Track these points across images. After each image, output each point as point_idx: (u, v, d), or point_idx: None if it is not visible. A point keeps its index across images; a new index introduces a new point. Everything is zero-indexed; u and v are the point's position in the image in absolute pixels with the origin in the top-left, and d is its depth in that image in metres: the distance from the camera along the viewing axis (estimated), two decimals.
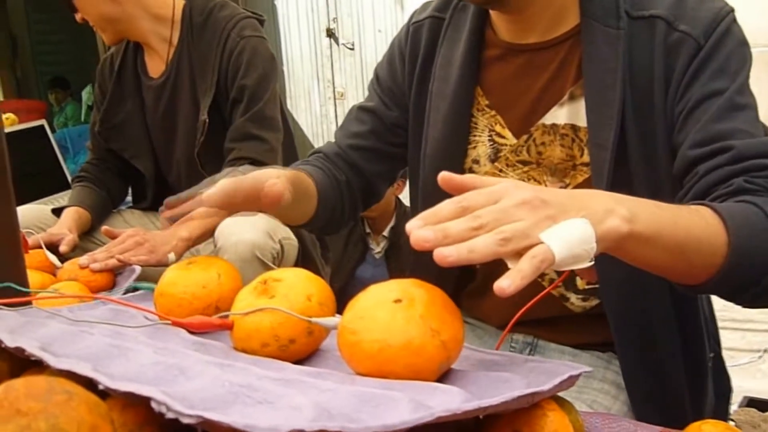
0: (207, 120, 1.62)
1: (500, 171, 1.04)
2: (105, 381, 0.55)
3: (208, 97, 1.64)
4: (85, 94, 6.58)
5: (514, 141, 1.03)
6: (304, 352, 0.74)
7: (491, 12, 1.03)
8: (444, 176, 0.67)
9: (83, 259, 1.24)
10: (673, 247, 0.70)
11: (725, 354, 1.12)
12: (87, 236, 1.65)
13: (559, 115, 0.99)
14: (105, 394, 0.55)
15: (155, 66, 1.75)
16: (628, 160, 0.93)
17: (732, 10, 0.92)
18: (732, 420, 1.51)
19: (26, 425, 0.40)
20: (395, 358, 0.62)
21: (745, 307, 0.82)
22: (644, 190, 0.91)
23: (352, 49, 4.88)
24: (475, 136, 1.06)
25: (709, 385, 1.04)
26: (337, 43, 4.97)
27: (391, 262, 2.62)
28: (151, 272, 1.31)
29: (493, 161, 1.04)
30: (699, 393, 1.03)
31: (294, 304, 0.73)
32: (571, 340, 1.08)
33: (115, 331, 0.77)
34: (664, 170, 0.93)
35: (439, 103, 1.07)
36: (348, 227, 2.55)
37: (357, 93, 5.01)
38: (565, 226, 0.61)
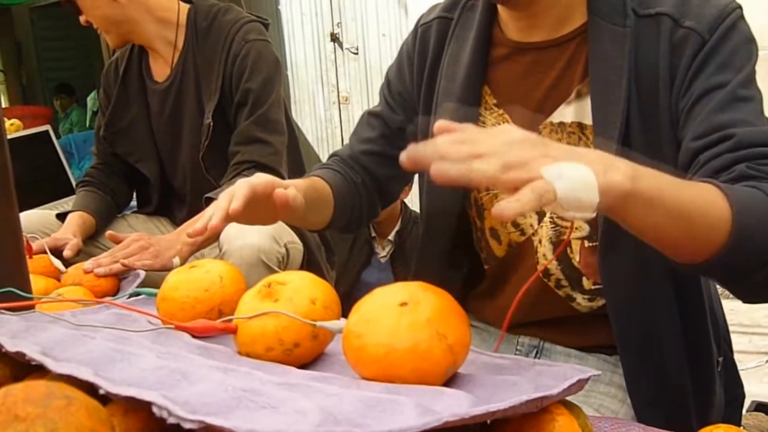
0: (212, 124, 1.62)
1: None
2: (106, 385, 0.54)
3: (212, 101, 1.63)
4: (90, 100, 6.60)
5: None
6: (308, 356, 0.74)
7: (499, 11, 1.03)
8: (442, 124, 0.65)
9: (88, 264, 1.24)
10: (675, 213, 0.69)
11: None
12: (91, 241, 1.65)
13: (567, 113, 0.99)
14: (107, 399, 0.54)
15: (160, 70, 1.75)
16: (633, 158, 0.92)
17: (738, 7, 0.92)
18: (742, 425, 1.50)
19: (24, 431, 0.40)
20: (401, 362, 0.61)
21: (745, 300, 0.81)
22: None
23: (357, 53, 4.87)
24: None
25: (716, 390, 1.03)
26: (341, 48, 4.97)
27: (397, 266, 2.61)
28: (156, 277, 1.30)
29: None
30: (704, 397, 1.02)
31: (298, 307, 0.72)
32: (578, 342, 1.07)
33: (117, 335, 0.76)
34: (669, 167, 0.92)
35: (447, 101, 1.06)
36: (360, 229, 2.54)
37: (361, 97, 5.01)
38: (568, 167, 0.60)
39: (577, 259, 1.01)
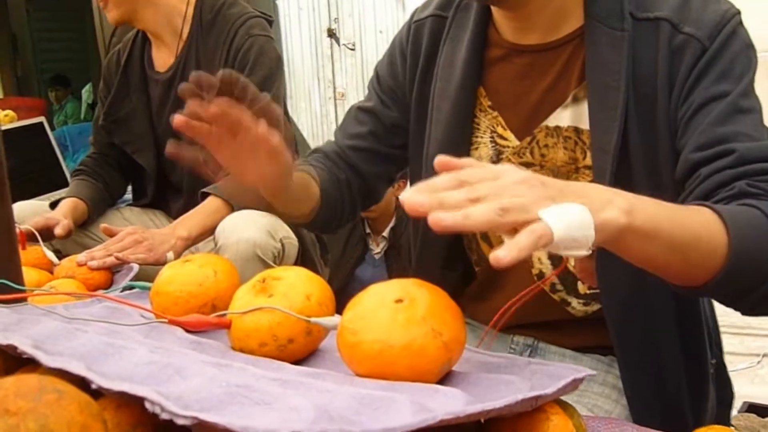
0: None
1: None
2: (98, 380, 0.53)
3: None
4: (85, 92, 6.57)
5: (516, 143, 1.02)
6: (302, 353, 0.73)
7: (493, 11, 1.02)
8: (441, 160, 0.65)
9: (81, 257, 1.23)
10: (672, 244, 0.69)
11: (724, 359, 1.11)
12: (85, 231, 1.64)
13: (563, 117, 0.98)
14: (99, 393, 0.54)
15: (162, 60, 1.75)
16: (630, 164, 0.92)
17: (738, 12, 0.91)
18: (732, 426, 1.50)
19: (15, 425, 0.39)
20: (396, 359, 0.61)
21: (744, 314, 0.81)
22: (646, 194, 0.90)
23: (353, 49, 4.87)
24: (477, 137, 1.05)
25: (710, 392, 1.03)
26: (338, 44, 4.96)
27: (391, 263, 2.61)
28: (150, 271, 1.29)
29: (495, 162, 1.03)
30: (699, 399, 1.02)
31: (293, 303, 0.72)
32: (572, 343, 1.07)
33: (110, 329, 0.75)
34: (666, 174, 0.92)
35: (442, 103, 1.06)
36: (347, 227, 2.54)
37: (357, 93, 5.00)
38: (564, 207, 0.60)
39: (573, 264, 1.01)
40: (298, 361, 0.72)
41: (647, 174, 0.92)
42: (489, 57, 1.04)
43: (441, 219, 0.56)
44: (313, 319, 0.71)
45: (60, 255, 1.35)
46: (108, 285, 1.22)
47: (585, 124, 0.96)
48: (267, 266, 1.39)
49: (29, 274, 1.03)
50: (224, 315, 0.76)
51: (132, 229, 1.40)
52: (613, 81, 0.91)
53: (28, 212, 1.59)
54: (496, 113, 1.03)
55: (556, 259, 1.01)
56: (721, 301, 0.80)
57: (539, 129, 1.00)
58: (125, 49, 1.79)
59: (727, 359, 1.11)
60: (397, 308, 0.62)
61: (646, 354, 0.97)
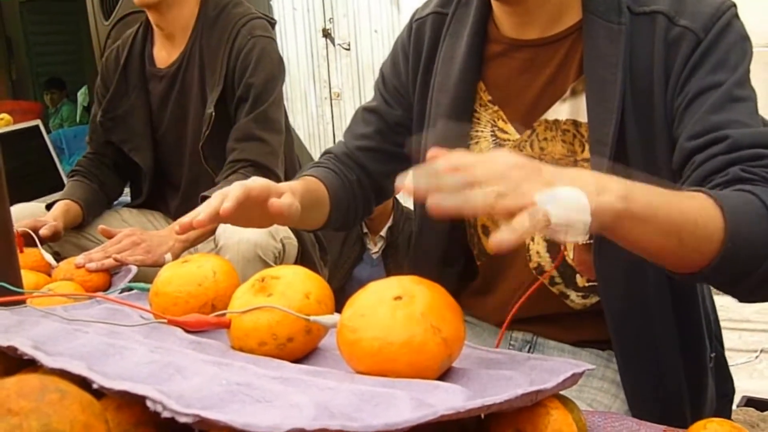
0: (213, 114, 1.62)
1: None
2: (99, 380, 0.54)
3: (215, 92, 1.64)
4: (81, 95, 6.55)
5: (517, 136, 1.03)
6: (302, 351, 0.73)
7: (494, 6, 1.03)
8: (435, 152, 0.66)
9: (79, 259, 1.23)
10: (668, 229, 0.70)
11: None
12: (82, 233, 1.64)
13: (561, 110, 0.99)
14: (100, 393, 0.54)
15: (165, 56, 1.75)
16: (627, 155, 0.93)
17: (733, 5, 0.92)
18: (732, 420, 1.50)
19: (17, 425, 0.39)
20: (396, 356, 0.61)
21: (741, 300, 0.81)
22: None
23: (348, 49, 4.86)
24: (477, 131, 1.06)
25: (708, 385, 1.03)
26: (333, 44, 4.96)
27: (389, 262, 2.61)
28: (148, 272, 1.29)
29: None
30: (698, 393, 1.02)
31: (292, 302, 0.72)
32: (571, 337, 1.07)
33: (110, 330, 0.75)
34: (663, 165, 0.92)
35: (441, 97, 1.06)
36: (355, 227, 2.54)
37: (353, 94, 5.00)
38: (561, 191, 0.61)
39: (571, 256, 1.01)
40: (297, 360, 0.72)
41: (644, 166, 0.93)
42: (488, 52, 1.05)
43: (440, 203, 0.57)
44: (312, 318, 0.71)
45: (58, 257, 1.34)
46: (106, 287, 1.21)
47: (583, 117, 0.97)
48: (268, 266, 1.39)
49: (27, 277, 1.03)
50: (224, 315, 0.76)
51: (130, 231, 1.39)
52: (610, 74, 0.92)
53: (25, 215, 1.58)
54: (496, 107, 1.04)
55: (554, 252, 1.02)
56: (718, 287, 0.81)
57: (539, 122, 1.01)
58: (125, 47, 1.79)
59: (726, 354, 1.11)
60: (396, 305, 0.63)
61: (644, 347, 0.97)
